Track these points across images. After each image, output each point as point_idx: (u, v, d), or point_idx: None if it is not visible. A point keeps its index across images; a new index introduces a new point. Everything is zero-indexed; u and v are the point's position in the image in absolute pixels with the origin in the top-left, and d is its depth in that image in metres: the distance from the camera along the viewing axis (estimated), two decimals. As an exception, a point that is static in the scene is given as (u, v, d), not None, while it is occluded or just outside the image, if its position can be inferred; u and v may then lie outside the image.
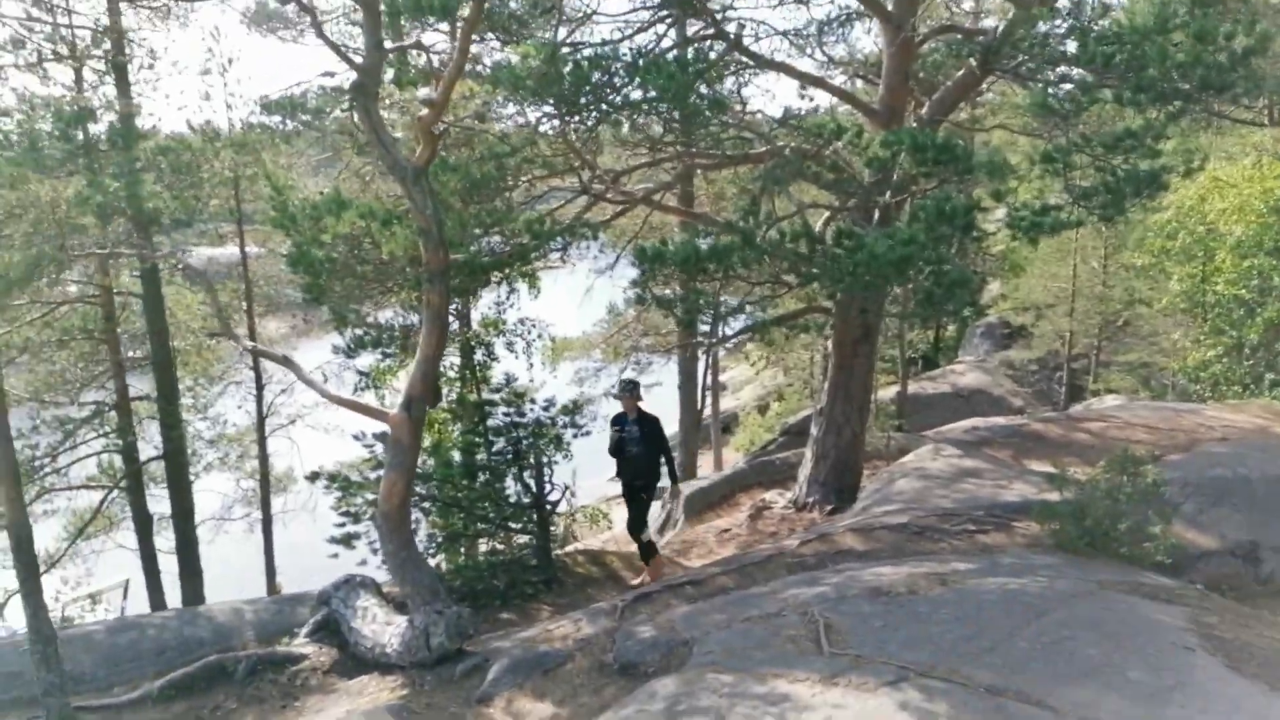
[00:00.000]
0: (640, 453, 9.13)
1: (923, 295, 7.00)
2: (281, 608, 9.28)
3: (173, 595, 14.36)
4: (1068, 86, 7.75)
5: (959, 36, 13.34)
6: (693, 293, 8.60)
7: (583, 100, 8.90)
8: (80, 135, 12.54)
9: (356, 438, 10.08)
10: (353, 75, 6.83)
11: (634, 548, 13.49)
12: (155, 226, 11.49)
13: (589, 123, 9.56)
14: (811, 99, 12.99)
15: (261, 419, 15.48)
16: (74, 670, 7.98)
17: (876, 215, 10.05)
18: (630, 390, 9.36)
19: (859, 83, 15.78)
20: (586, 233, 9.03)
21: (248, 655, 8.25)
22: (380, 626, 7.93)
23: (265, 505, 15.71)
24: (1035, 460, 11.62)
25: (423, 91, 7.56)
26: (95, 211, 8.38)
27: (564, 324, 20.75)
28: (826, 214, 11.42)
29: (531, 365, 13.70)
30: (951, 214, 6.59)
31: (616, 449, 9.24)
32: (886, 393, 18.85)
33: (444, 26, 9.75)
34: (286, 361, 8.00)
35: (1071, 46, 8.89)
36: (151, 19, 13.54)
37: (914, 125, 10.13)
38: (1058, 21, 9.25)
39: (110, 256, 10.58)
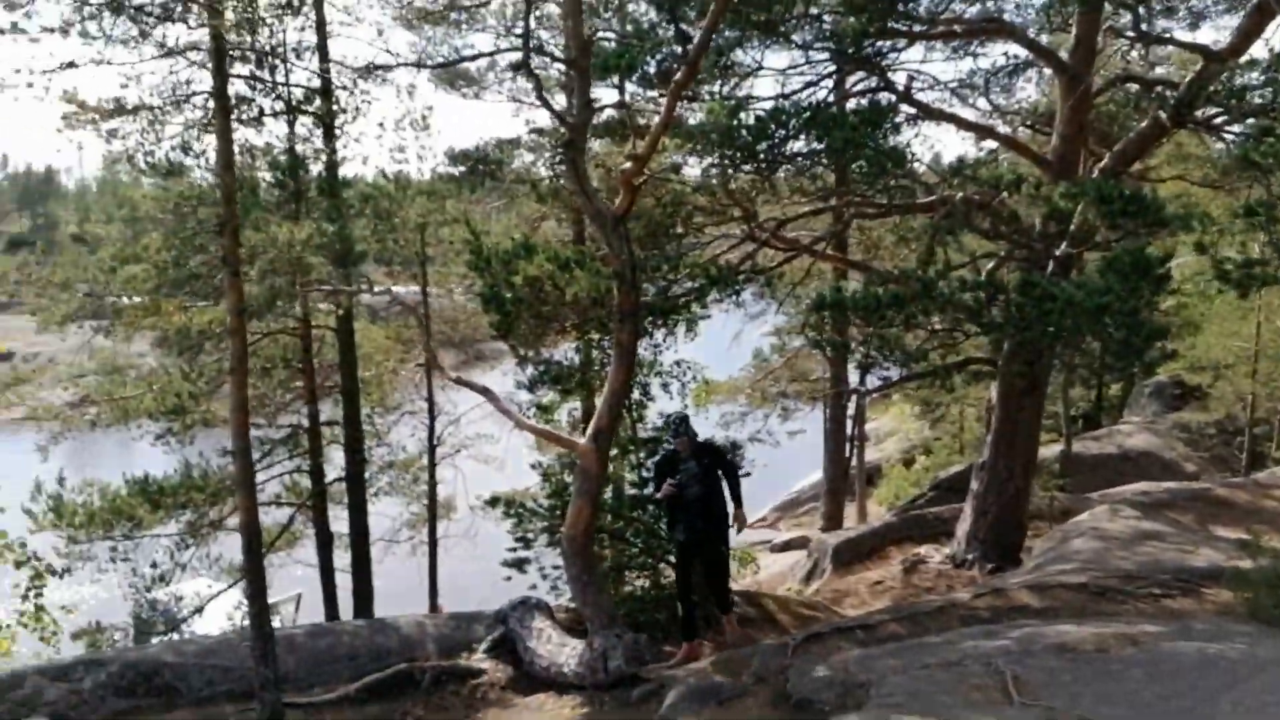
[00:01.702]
0: (705, 491, 7.93)
1: (1116, 346, 6.92)
2: (459, 624, 9.85)
3: (345, 610, 15.36)
4: (1270, 140, 7.54)
5: (1137, 87, 13.05)
6: (870, 338, 8.75)
7: (760, 151, 9.29)
8: (293, 183, 13.97)
9: (534, 467, 10.65)
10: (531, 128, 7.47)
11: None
12: (355, 266, 12.61)
13: (763, 172, 9.95)
14: (982, 148, 12.96)
15: (432, 447, 16.48)
16: (279, 669, 8.75)
17: (1051, 266, 9.94)
18: (684, 427, 8.16)
19: (1024, 131, 15.61)
20: (760, 279, 9.34)
21: (432, 666, 8.83)
22: (556, 647, 8.34)
23: (431, 529, 16.65)
24: (1221, 526, 11.01)
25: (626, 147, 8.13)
26: (322, 252, 9.37)
27: (712, 367, 21.10)
28: (992, 263, 11.35)
29: (686, 406, 14.07)
30: (1146, 265, 6.54)
31: (673, 497, 7.90)
32: (1048, 450, 18.16)
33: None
34: (486, 392, 8.64)
35: (1269, 97, 8.65)
36: (355, 79, 14.90)
37: (1091, 175, 10.01)
38: (1254, 74, 9.01)
39: (334, 293, 11.71)
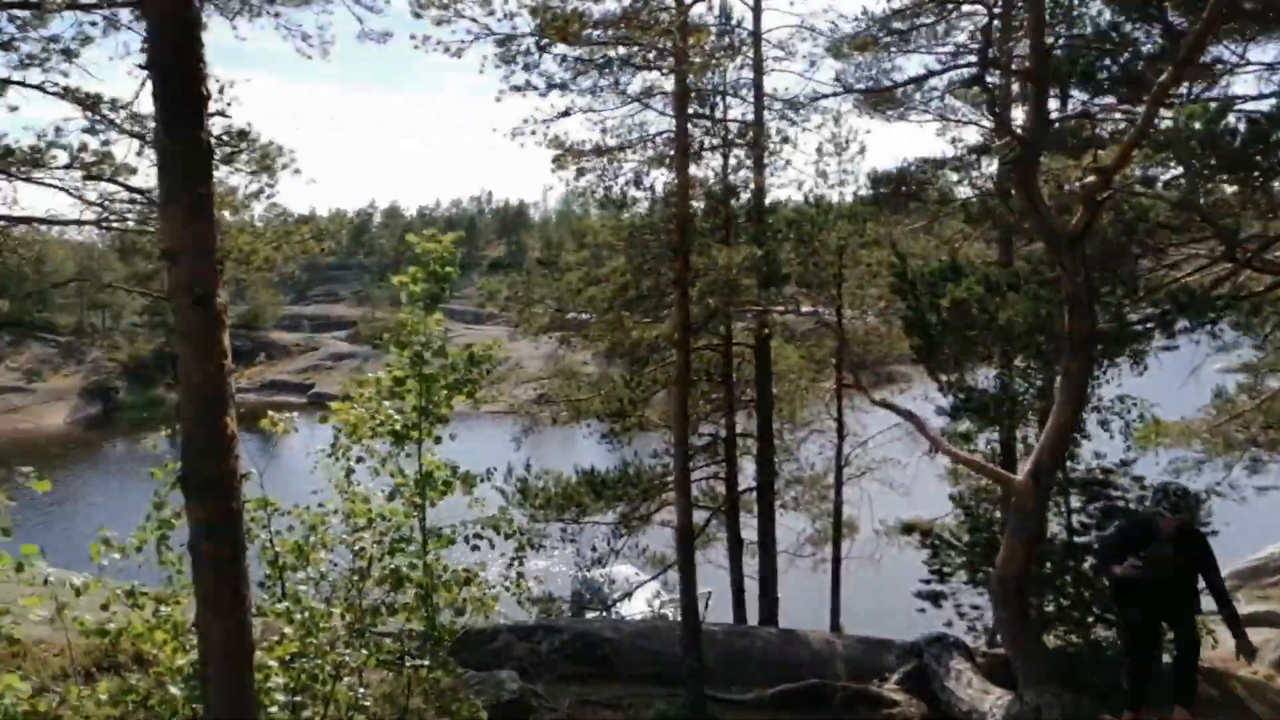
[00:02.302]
0: (1175, 579, 6.52)
1: None
2: (869, 649, 9.78)
3: (750, 614, 16.00)
4: None
5: None
6: None
7: (1253, 159, 7.98)
8: (724, 210, 14.96)
9: (954, 499, 10.22)
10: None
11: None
12: (778, 287, 13.15)
13: (1253, 183, 8.53)
14: None
15: (839, 467, 16.58)
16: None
17: None
18: (1184, 502, 6.62)
19: None
20: (1243, 306, 8.00)
21: (843, 687, 8.86)
22: (978, 693, 7.90)
23: (835, 548, 16.73)
24: None
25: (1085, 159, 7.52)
26: (752, 274, 9.94)
27: (1160, 405, 18.49)
28: None
29: (1129, 448, 12.50)
30: None
31: (1134, 574, 6.41)
32: None
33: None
34: (910, 416, 8.51)
35: None
36: (784, 111, 15.51)
37: None
38: None
39: (763, 312, 12.41)
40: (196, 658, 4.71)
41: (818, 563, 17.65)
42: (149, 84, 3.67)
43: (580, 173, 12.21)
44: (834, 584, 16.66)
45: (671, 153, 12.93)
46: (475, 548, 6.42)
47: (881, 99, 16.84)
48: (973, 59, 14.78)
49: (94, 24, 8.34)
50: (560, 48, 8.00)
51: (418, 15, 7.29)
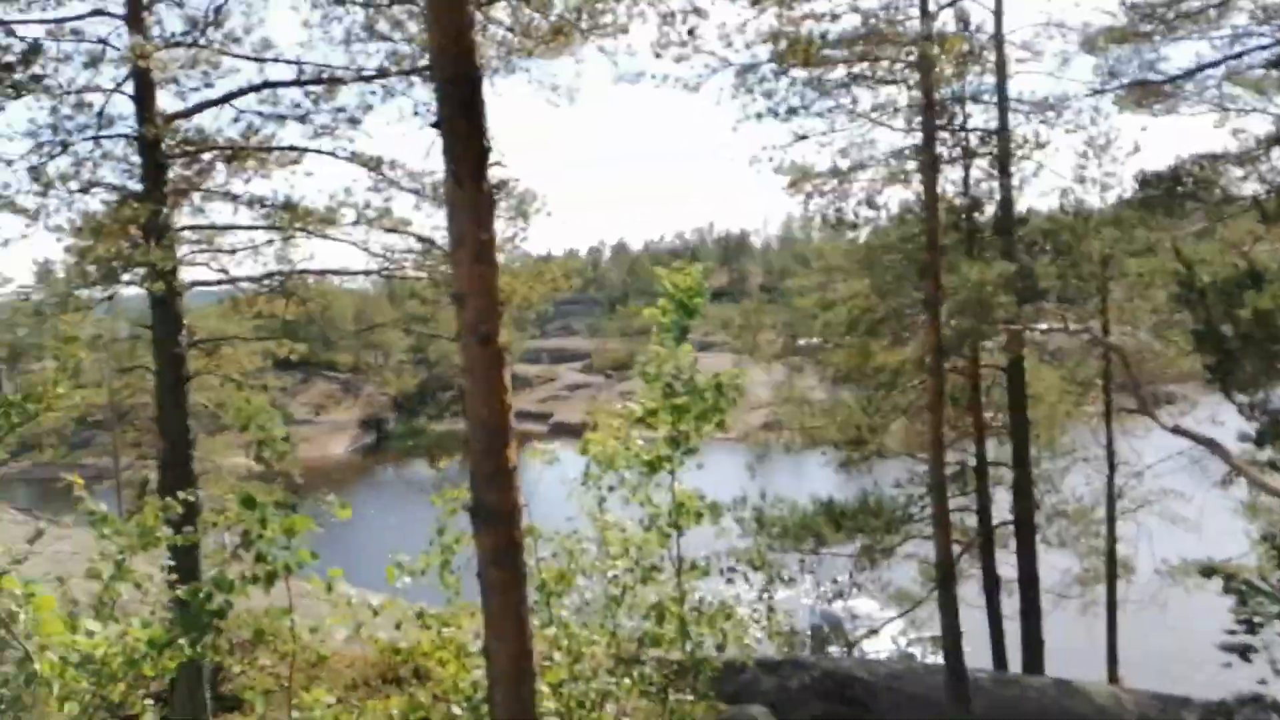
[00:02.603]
0: None
1: None
2: (1165, 706, 8.70)
3: (1012, 660, 14.76)
4: None
5: None
6: None
7: None
8: (967, 224, 14.14)
9: (1267, 538, 8.89)
10: None
11: None
12: (1034, 303, 12.18)
13: None
14: None
15: (1111, 499, 15.01)
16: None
17: None
18: None
19: None
20: None
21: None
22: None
23: (1109, 589, 15.14)
24: None
25: None
26: (1007, 290, 9.26)
27: None
28: None
29: None
30: None
31: None
32: None
33: None
34: (1211, 444, 7.51)
35: None
36: (1033, 113, 14.45)
37: None
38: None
39: (1020, 331, 11.58)
40: (478, 679, 4.97)
41: (1087, 604, 16.00)
42: (438, 141, 3.99)
43: (810, 196, 12.02)
44: (1109, 629, 15.03)
45: (907, 167, 12.44)
46: (730, 580, 6.37)
47: (1147, 93, 15.31)
48: (1264, 41, 13.15)
49: (374, 93, 9.29)
50: (798, 72, 7.93)
51: (658, 55, 7.53)
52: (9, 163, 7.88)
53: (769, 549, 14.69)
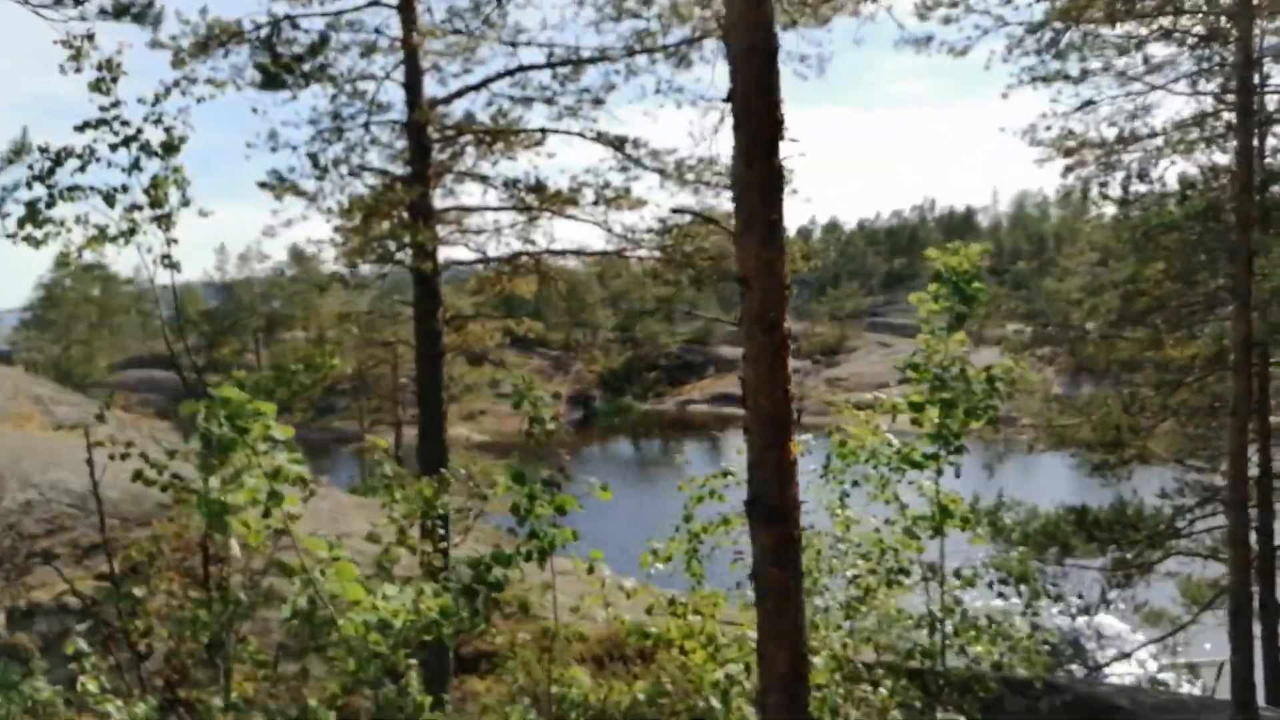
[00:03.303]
0: None
1: None
2: None
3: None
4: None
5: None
6: None
7: None
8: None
9: None
10: None
11: None
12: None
13: None
14: None
15: None
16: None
17: None
18: None
19: None
20: None
21: None
22: None
23: None
24: None
25: None
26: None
27: None
28: None
29: None
30: None
31: None
32: None
33: None
34: None
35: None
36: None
37: None
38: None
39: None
40: (734, 673, 4.81)
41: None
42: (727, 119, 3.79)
43: (1072, 169, 10.88)
44: None
45: (1190, 136, 10.90)
46: (1000, 594, 5.88)
47: None
48: None
49: (617, 73, 9.32)
50: (1090, 29, 7.08)
51: (923, 18, 6.95)
52: (294, 148, 8.63)
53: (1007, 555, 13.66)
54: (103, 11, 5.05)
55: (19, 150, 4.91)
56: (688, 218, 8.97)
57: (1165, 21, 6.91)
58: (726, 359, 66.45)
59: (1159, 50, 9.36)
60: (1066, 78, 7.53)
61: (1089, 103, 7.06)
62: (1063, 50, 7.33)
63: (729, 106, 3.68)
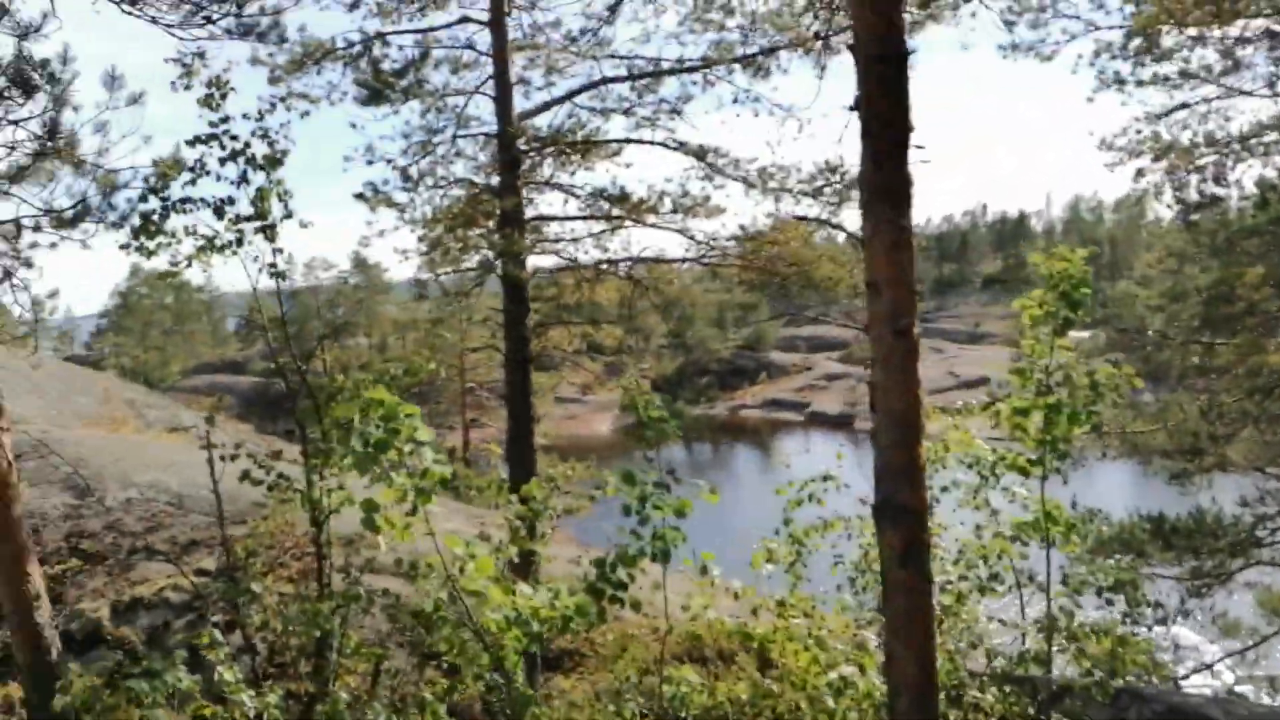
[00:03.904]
0: None
1: None
2: None
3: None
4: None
5: None
6: None
7: None
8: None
9: None
10: None
11: None
12: None
13: None
14: None
15: None
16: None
17: None
18: None
19: None
20: None
21: None
22: None
23: None
24: None
25: None
26: None
27: None
28: None
29: None
30: None
31: None
32: None
33: None
34: None
35: None
36: None
37: None
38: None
39: None
40: (850, 674, 4.85)
41: None
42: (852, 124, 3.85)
43: (1158, 170, 10.72)
44: None
45: (1272, 138, 10.66)
46: (1109, 601, 5.85)
47: None
48: None
49: (694, 83, 9.42)
50: (1191, 32, 7.00)
51: (1010, 25, 6.93)
52: (389, 162, 8.89)
53: (1079, 561, 13.43)
54: (229, 31, 5.29)
55: (170, 168, 5.14)
56: (767, 224, 9.06)
57: (1268, 22, 6.78)
58: (778, 364, 66.19)
59: (1241, 53, 9.21)
60: (1153, 82, 7.44)
61: (1182, 105, 6.96)
62: (1161, 54, 7.25)
63: (854, 113, 3.75)
